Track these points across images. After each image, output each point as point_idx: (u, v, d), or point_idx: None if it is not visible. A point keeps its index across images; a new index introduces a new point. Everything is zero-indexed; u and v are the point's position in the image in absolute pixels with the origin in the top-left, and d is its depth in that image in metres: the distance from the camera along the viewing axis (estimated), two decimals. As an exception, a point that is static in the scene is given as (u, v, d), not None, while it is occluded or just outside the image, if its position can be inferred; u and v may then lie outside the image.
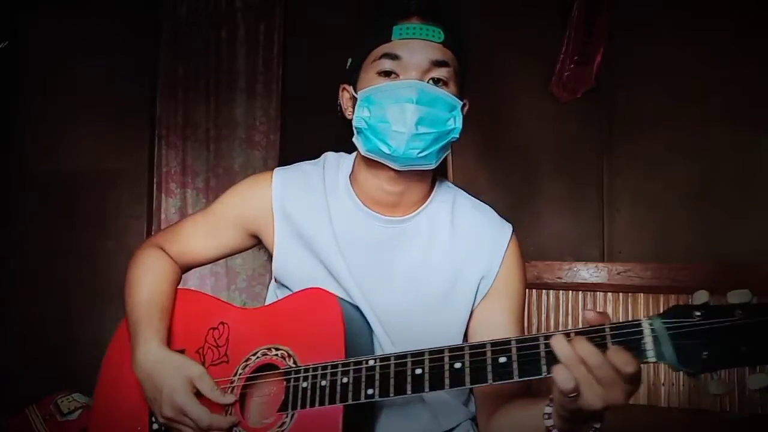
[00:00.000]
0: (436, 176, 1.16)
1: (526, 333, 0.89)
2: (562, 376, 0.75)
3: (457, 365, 0.84)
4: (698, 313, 0.73)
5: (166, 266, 1.21)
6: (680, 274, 2.38)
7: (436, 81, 1.02)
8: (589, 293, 2.50)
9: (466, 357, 0.84)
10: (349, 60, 1.11)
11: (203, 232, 1.22)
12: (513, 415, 1.00)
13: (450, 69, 1.03)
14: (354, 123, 1.06)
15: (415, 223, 1.11)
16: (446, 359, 0.85)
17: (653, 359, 0.75)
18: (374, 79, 1.03)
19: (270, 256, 1.20)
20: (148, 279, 1.18)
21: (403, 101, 0.99)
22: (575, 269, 2.53)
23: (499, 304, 1.11)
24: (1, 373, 2.73)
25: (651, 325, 0.75)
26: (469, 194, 1.21)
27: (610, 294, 2.48)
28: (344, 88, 1.12)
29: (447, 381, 0.85)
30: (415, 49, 1.01)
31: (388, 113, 1.00)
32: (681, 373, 0.74)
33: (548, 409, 0.85)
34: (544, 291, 2.55)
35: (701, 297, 0.74)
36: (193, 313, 1.17)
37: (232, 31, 2.95)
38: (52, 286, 2.91)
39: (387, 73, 1.02)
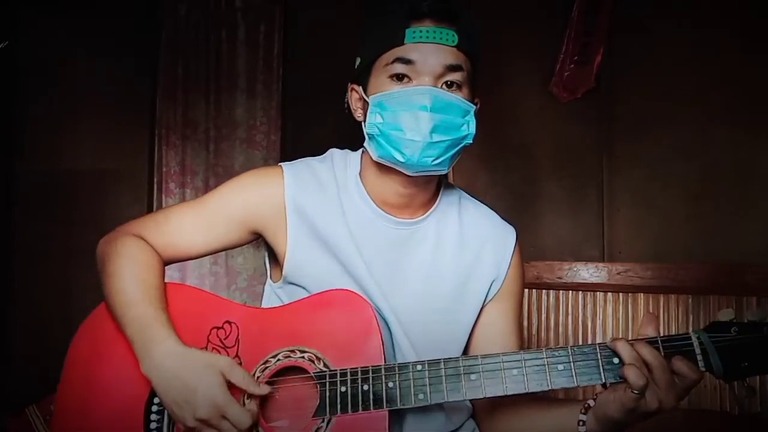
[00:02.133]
0: (441, 176, 1.15)
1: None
2: (633, 374, 0.83)
3: (515, 371, 0.89)
4: (735, 329, 0.87)
5: (152, 258, 1.10)
6: (680, 274, 2.38)
7: (450, 84, 1.00)
8: (589, 293, 2.50)
9: (523, 363, 0.90)
10: (358, 59, 1.08)
11: (196, 225, 1.12)
12: (532, 417, 1.03)
13: (464, 73, 1.01)
14: (366, 129, 1.04)
15: (425, 225, 1.11)
16: (503, 365, 0.90)
17: (703, 369, 0.86)
18: (386, 84, 1.01)
19: (270, 253, 1.17)
20: (137, 271, 1.06)
21: (416, 108, 0.97)
22: (575, 269, 2.53)
23: (504, 305, 1.14)
24: (1, 373, 2.73)
25: (699, 338, 0.87)
26: (470, 195, 1.22)
27: (610, 294, 2.48)
28: (353, 88, 1.09)
29: (506, 386, 0.90)
30: (429, 53, 0.98)
31: (401, 120, 0.98)
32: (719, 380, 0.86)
33: (583, 417, 0.91)
34: (544, 291, 2.55)
35: (728, 315, 0.88)
36: (192, 311, 1.07)
37: (232, 31, 2.95)
38: (52, 286, 2.91)
39: (399, 77, 1.00)
